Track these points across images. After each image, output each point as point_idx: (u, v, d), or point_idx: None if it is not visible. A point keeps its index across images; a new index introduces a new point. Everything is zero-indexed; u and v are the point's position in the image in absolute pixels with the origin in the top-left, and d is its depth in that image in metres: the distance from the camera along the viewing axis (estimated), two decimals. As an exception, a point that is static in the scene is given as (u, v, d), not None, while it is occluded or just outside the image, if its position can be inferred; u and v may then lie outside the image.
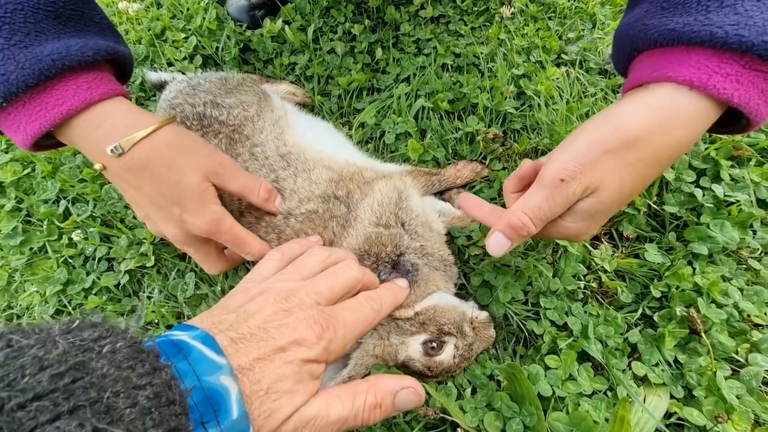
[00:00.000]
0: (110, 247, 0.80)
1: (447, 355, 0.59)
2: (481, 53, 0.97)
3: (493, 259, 0.68)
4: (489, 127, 0.85)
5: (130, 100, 0.56)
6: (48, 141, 0.53)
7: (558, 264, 0.68)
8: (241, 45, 1.06)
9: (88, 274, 0.79)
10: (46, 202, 0.87)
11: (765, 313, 0.61)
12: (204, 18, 1.11)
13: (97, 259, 0.80)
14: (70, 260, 0.81)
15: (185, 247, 0.60)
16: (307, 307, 0.42)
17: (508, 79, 0.91)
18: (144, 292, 0.78)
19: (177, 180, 0.53)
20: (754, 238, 0.65)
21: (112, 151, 0.50)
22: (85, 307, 0.75)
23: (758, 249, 0.65)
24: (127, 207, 0.83)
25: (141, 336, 0.32)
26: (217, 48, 1.05)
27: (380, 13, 1.09)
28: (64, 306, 0.77)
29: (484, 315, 0.62)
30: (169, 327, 0.65)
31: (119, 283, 0.78)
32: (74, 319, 0.30)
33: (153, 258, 0.78)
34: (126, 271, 0.77)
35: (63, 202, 0.86)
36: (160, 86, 0.96)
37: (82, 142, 0.52)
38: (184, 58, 1.04)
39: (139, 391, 0.28)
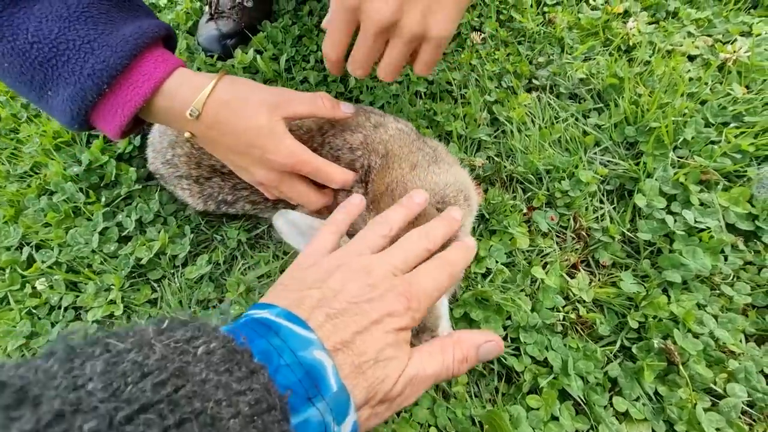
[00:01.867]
0: (77, 295, 0.77)
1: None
2: (454, 79, 0.97)
3: (475, 291, 0.67)
4: (465, 154, 0.85)
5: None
6: (131, 127, 0.58)
7: (536, 296, 0.68)
8: (212, 76, 1.04)
9: (53, 325, 0.76)
10: (8, 249, 0.83)
11: (740, 340, 0.61)
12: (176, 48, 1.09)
13: (63, 308, 0.77)
14: (33, 311, 0.77)
15: (282, 188, 0.63)
16: (389, 279, 0.43)
17: (481, 105, 0.91)
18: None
19: (246, 125, 0.57)
20: (725, 263, 0.66)
21: (190, 114, 0.55)
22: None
23: (730, 274, 0.65)
24: (94, 251, 0.80)
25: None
26: (187, 80, 1.04)
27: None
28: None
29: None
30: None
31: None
32: (163, 318, 0.29)
33: (122, 305, 0.75)
34: (94, 321, 0.74)
35: (26, 249, 0.82)
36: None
37: (167, 115, 0.58)
38: (153, 92, 1.02)
39: (240, 397, 0.26)
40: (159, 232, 0.80)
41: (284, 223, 0.68)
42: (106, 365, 0.23)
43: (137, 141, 0.92)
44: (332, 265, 0.45)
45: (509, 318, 0.66)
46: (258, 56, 1.04)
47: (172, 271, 0.79)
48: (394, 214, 0.53)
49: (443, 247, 0.53)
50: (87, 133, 0.97)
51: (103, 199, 0.85)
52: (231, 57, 1.08)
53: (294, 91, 0.63)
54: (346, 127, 0.68)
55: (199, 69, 1.04)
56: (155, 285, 0.78)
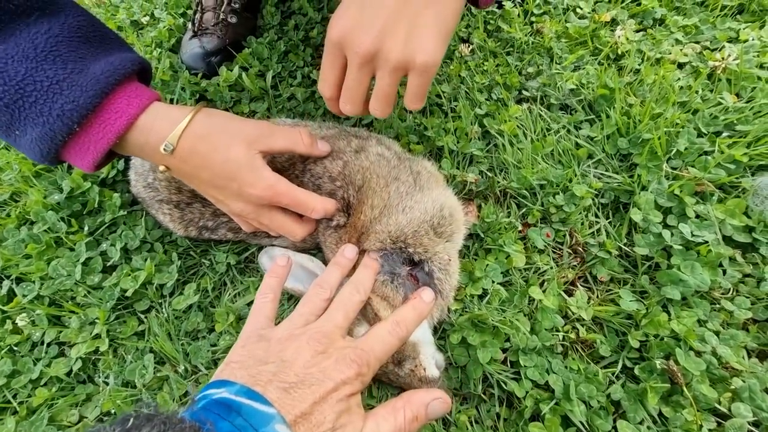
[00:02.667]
0: (60, 331, 0.74)
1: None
2: (444, 92, 0.96)
3: (471, 314, 0.66)
4: (458, 169, 0.84)
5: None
6: (104, 161, 0.57)
7: (535, 316, 0.66)
8: (197, 95, 1.02)
9: (35, 362, 0.73)
10: (-13, 283, 0.80)
11: (742, 357, 0.60)
12: (157, 68, 1.07)
13: (45, 344, 0.74)
14: (15, 348, 0.74)
15: (261, 220, 0.62)
16: (341, 346, 0.47)
17: (472, 119, 0.90)
18: (100, 377, 0.71)
19: (223, 158, 0.56)
20: (724, 277, 0.65)
21: (164, 149, 0.54)
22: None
23: (729, 288, 0.64)
24: (77, 283, 0.77)
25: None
26: (171, 100, 1.01)
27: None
28: (8, 402, 0.70)
29: (433, 374, 0.59)
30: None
31: (71, 371, 0.71)
32: (128, 416, 0.30)
33: (107, 340, 0.72)
34: (78, 358, 0.71)
35: (6, 282, 0.79)
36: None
37: (142, 150, 0.56)
38: (137, 114, 0.99)
39: None
40: (145, 260, 0.77)
41: (268, 260, 0.66)
42: None
43: (120, 165, 0.89)
44: (282, 338, 0.47)
45: (508, 340, 0.65)
46: (243, 73, 1.02)
47: (159, 301, 0.76)
48: (331, 276, 0.57)
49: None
50: (68, 158, 0.94)
51: (86, 228, 0.82)
52: (216, 75, 1.06)
53: (272, 125, 0.61)
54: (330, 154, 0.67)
55: (183, 88, 1.02)
56: (142, 317, 0.75)
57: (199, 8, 1.14)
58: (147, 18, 1.28)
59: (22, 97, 0.49)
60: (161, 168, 0.58)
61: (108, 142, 0.52)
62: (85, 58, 0.52)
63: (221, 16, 1.13)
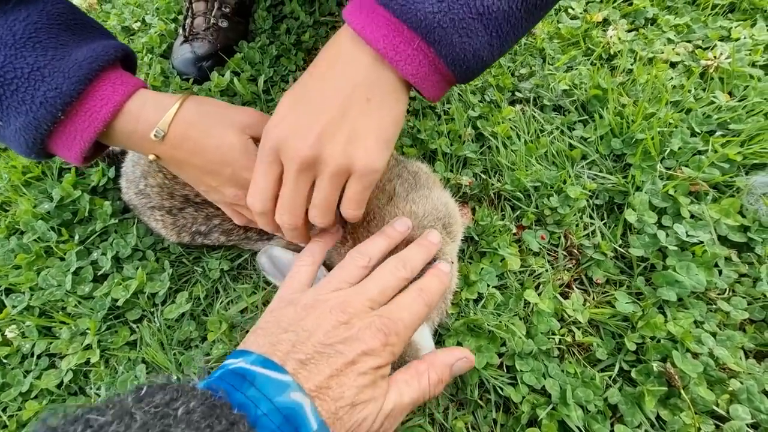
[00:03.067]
0: (51, 342, 0.73)
1: None
2: (437, 95, 0.95)
3: (467, 319, 0.65)
4: (452, 172, 0.83)
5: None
6: (93, 152, 0.55)
7: (530, 319, 0.66)
8: (189, 101, 1.01)
9: (25, 374, 0.71)
10: (-24, 294, 0.79)
11: (740, 358, 0.59)
12: (148, 74, 1.06)
13: (36, 356, 0.73)
14: (4, 360, 0.73)
15: None
16: (365, 315, 0.43)
17: (465, 121, 0.89)
18: (91, 388, 0.70)
19: (217, 143, 0.54)
20: (720, 277, 0.64)
21: (155, 136, 0.52)
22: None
23: (725, 289, 0.64)
24: (68, 294, 0.76)
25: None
26: (162, 106, 1.00)
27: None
28: (-2, 417, 0.68)
29: None
30: None
31: (62, 383, 0.70)
32: (142, 385, 0.31)
33: (99, 351, 0.71)
34: (69, 369, 0.70)
35: (-5, 293, 0.78)
36: (107, 155, 0.90)
37: (130, 138, 0.54)
38: (127, 120, 0.98)
39: None
40: (137, 269, 0.76)
41: (266, 260, 0.65)
42: None
43: (111, 173, 0.88)
44: (308, 304, 0.45)
45: (504, 344, 0.64)
46: (235, 78, 1.01)
47: (151, 310, 0.75)
48: (374, 245, 0.53)
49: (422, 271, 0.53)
50: (58, 166, 0.93)
51: (77, 237, 0.81)
52: (207, 80, 1.06)
53: (263, 114, 0.59)
54: None
55: (175, 92, 1.01)
56: (134, 326, 0.74)
57: (189, 13, 1.14)
58: (138, 24, 1.27)
59: (3, 84, 0.47)
60: (151, 157, 0.56)
61: (95, 131, 0.51)
62: (67, 45, 0.50)
63: (212, 21, 1.12)
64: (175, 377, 0.37)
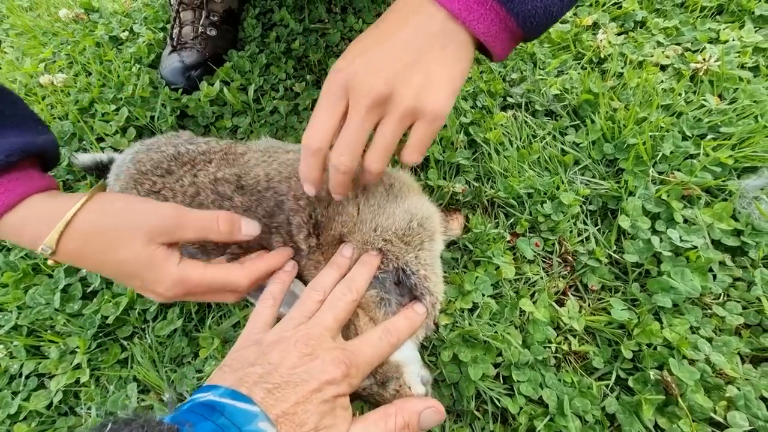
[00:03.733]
0: (39, 362, 0.71)
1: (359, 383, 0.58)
2: (428, 101, 0.95)
3: (462, 330, 0.64)
4: (445, 180, 0.83)
5: (59, 186, 0.55)
6: None
7: (526, 328, 0.65)
8: (178, 112, 1.00)
9: (13, 396, 0.70)
10: (-38, 314, 0.77)
11: (736, 363, 0.59)
12: (136, 85, 1.05)
13: (24, 377, 0.71)
14: (-8, 382, 0.72)
15: (198, 300, 0.61)
16: (328, 347, 0.46)
17: (457, 127, 0.89)
18: (82, 408, 0.69)
19: (119, 258, 0.50)
20: (714, 282, 0.64)
21: (42, 251, 0.49)
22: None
23: (720, 293, 0.64)
24: (57, 311, 0.75)
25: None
26: (152, 117, 0.99)
27: (323, 66, 1.07)
28: (-14, 440, 0.67)
29: (419, 391, 0.56)
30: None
31: (51, 403, 0.69)
32: (106, 422, 0.31)
33: (88, 370, 0.70)
34: (58, 390, 0.69)
35: (-18, 313, 0.76)
36: (95, 167, 0.88)
37: (19, 240, 0.51)
38: (116, 132, 0.97)
39: None
40: (126, 285, 0.75)
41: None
42: None
43: (104, 182, 0.87)
44: (272, 341, 0.47)
45: (500, 354, 0.63)
46: (225, 87, 1.00)
47: (142, 326, 0.74)
48: (326, 277, 0.56)
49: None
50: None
51: (65, 253, 0.79)
52: (197, 89, 1.04)
53: (187, 210, 0.54)
54: (293, 174, 0.63)
55: (163, 104, 1.00)
56: (125, 343, 0.73)
57: (177, 22, 1.13)
58: (126, 33, 1.26)
59: None
60: (50, 262, 0.52)
61: None
62: None
63: (200, 30, 1.11)
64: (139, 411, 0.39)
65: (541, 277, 0.70)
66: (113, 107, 1.00)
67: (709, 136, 0.76)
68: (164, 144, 0.75)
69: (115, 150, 0.95)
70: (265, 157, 0.67)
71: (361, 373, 0.47)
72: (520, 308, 0.66)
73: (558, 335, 0.65)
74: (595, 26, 1.00)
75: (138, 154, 0.74)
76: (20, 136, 0.51)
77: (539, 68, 0.95)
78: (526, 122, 0.87)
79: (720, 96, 0.81)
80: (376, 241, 0.60)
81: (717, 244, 0.67)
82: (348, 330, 0.58)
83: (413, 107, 0.46)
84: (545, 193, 0.76)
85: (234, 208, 0.63)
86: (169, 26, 1.23)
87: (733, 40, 0.88)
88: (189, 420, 0.35)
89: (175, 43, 1.10)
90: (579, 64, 0.94)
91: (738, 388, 0.57)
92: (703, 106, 0.79)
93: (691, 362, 0.59)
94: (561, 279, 0.71)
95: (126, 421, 0.31)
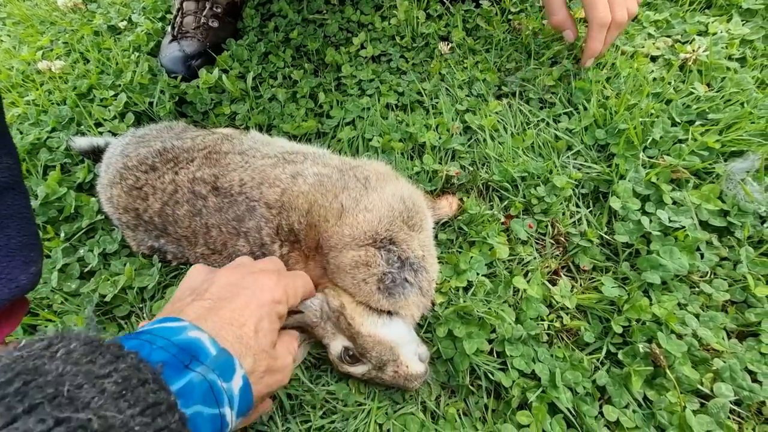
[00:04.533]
0: (36, 339, 0.72)
1: (357, 371, 0.61)
2: (425, 89, 0.96)
3: (456, 307, 0.66)
4: (440, 164, 0.84)
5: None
6: None
7: (520, 306, 0.67)
8: (177, 98, 1.01)
9: (10, 373, 0.70)
10: (-42, 293, 0.77)
11: (722, 338, 0.61)
12: (135, 72, 1.05)
13: (21, 355, 0.71)
14: (-12, 360, 0.71)
15: None
16: (261, 265, 0.52)
17: (453, 115, 0.90)
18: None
19: None
20: (702, 260, 0.66)
21: None
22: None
23: (707, 272, 0.65)
24: (54, 291, 0.75)
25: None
26: (150, 103, 1.00)
27: (320, 55, 1.08)
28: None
29: (417, 369, 0.58)
30: None
31: (48, 381, 0.69)
32: (22, 339, 0.32)
33: (86, 347, 0.70)
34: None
35: (-22, 292, 0.76)
36: (92, 152, 0.89)
37: None
38: (114, 117, 0.98)
39: (104, 379, 0.28)
40: (124, 264, 0.75)
41: None
42: None
43: (97, 169, 0.87)
44: (208, 275, 0.51)
45: (494, 331, 0.65)
46: (224, 75, 1.01)
47: (140, 305, 0.74)
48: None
49: None
50: (43, 164, 0.92)
51: (63, 234, 0.80)
52: (196, 77, 1.05)
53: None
54: (264, 180, 0.65)
55: (162, 91, 1.00)
56: (122, 322, 0.73)
57: (179, 12, 1.13)
58: (124, 23, 1.26)
59: None
60: None
61: None
62: None
63: (202, 20, 1.12)
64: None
65: (534, 258, 0.72)
66: (112, 93, 1.01)
67: (697, 122, 0.78)
68: (154, 137, 0.77)
69: (114, 135, 0.95)
70: (243, 161, 0.69)
71: (292, 286, 0.51)
72: (514, 286, 0.68)
73: (550, 313, 0.67)
74: (588, 19, 1.02)
75: (127, 147, 0.76)
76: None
77: (534, 59, 0.97)
78: (520, 110, 0.89)
79: (708, 84, 0.84)
80: (379, 226, 0.61)
81: (705, 225, 0.69)
82: (339, 321, 0.59)
83: None
84: (539, 177, 0.77)
85: (206, 208, 0.65)
86: (168, 16, 1.24)
87: (721, 32, 0.91)
88: (116, 339, 0.36)
89: (176, 32, 1.11)
90: (572, 54, 0.96)
91: (724, 361, 0.58)
92: (691, 93, 0.81)
93: (679, 336, 0.61)
94: (553, 259, 0.72)
95: (42, 337, 0.31)
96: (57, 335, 0.31)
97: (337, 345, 0.60)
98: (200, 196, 0.67)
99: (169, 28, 1.13)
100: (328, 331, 0.61)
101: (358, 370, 0.60)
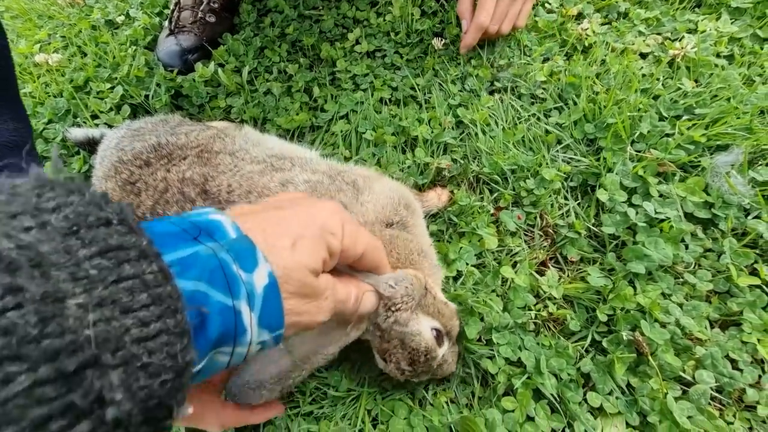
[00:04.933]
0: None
1: (440, 352, 0.56)
2: (418, 84, 0.98)
3: (448, 295, 0.67)
4: (432, 157, 0.85)
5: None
6: None
7: (507, 296, 0.68)
8: (173, 91, 1.02)
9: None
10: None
11: (705, 327, 0.62)
12: (131, 65, 1.06)
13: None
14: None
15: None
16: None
17: (445, 109, 0.91)
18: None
19: None
20: (686, 251, 0.67)
21: None
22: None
23: (692, 263, 0.66)
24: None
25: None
26: (146, 96, 1.01)
27: (316, 50, 1.09)
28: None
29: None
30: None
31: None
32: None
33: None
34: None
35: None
36: (88, 143, 0.90)
37: None
38: (110, 109, 0.99)
39: (50, 214, 0.23)
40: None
41: None
42: None
43: (92, 160, 0.88)
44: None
45: (482, 320, 0.66)
46: (219, 69, 1.02)
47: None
48: None
49: None
50: (39, 154, 0.93)
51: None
52: (192, 71, 1.06)
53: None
54: (253, 189, 0.65)
55: (158, 84, 1.01)
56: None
57: (177, 7, 1.14)
58: (122, 17, 1.27)
59: None
60: None
61: None
62: None
63: (199, 15, 1.13)
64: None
65: (523, 249, 0.73)
66: (108, 86, 1.02)
67: (684, 117, 0.79)
68: (149, 131, 0.77)
69: (110, 127, 0.96)
70: (233, 164, 0.69)
71: (354, 232, 0.42)
72: (502, 276, 0.69)
73: (537, 302, 0.68)
74: (580, 16, 1.03)
75: (123, 140, 0.76)
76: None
77: (525, 55, 0.98)
78: (512, 105, 0.90)
79: (696, 80, 0.85)
80: (381, 214, 0.62)
81: (690, 217, 0.70)
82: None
83: None
84: (528, 170, 0.78)
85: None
86: (166, 11, 1.25)
87: (710, 30, 0.92)
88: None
89: (173, 27, 1.12)
90: (563, 50, 0.97)
91: (706, 349, 0.59)
92: (679, 89, 0.83)
93: (663, 325, 0.62)
94: (542, 251, 0.73)
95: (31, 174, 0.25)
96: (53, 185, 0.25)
97: (425, 327, 0.55)
98: (189, 199, 0.66)
99: (166, 23, 1.14)
100: (408, 316, 0.54)
101: (442, 350, 0.57)
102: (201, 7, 1.14)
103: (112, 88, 1.02)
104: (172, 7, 1.15)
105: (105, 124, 0.97)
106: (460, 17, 0.98)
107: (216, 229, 0.32)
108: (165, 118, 0.86)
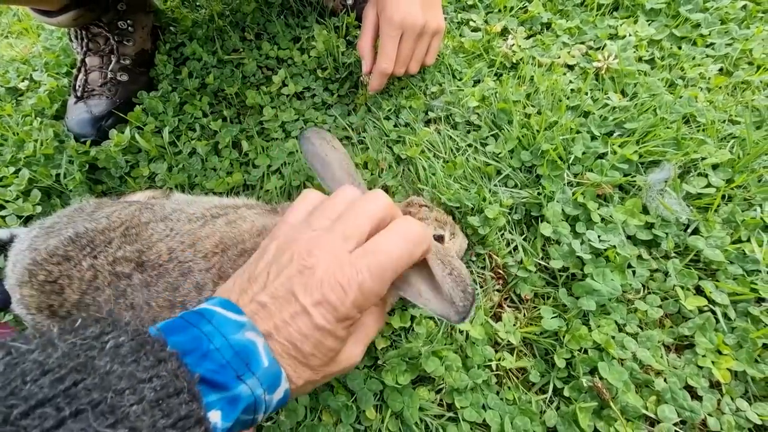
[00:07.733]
0: None
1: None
2: (351, 123, 0.94)
3: (401, 351, 0.63)
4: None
5: None
6: None
7: (465, 350, 0.65)
8: (87, 166, 0.93)
9: None
10: None
11: (661, 356, 0.61)
12: (38, 141, 0.97)
13: None
14: None
15: None
16: (330, 259, 0.39)
17: (381, 147, 0.88)
18: None
19: None
20: (634, 277, 0.66)
21: None
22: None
23: (640, 288, 0.66)
24: None
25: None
26: (57, 176, 0.92)
27: (241, 98, 1.03)
28: None
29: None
30: None
31: None
32: (77, 318, 0.31)
33: None
34: None
35: None
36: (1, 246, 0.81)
37: None
38: (17, 197, 0.89)
39: (145, 384, 0.28)
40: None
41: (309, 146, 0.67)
42: (5, 367, 0.25)
43: (1, 261, 0.79)
44: (281, 244, 0.43)
45: (441, 381, 0.63)
46: (137, 133, 0.95)
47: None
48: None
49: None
50: None
51: None
52: (107, 139, 0.98)
53: None
54: (196, 240, 0.62)
55: (70, 159, 0.93)
56: None
57: (83, 69, 1.05)
58: (26, 83, 1.17)
59: None
60: None
61: None
62: None
63: (109, 75, 1.04)
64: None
65: (477, 294, 0.70)
66: (12, 169, 0.92)
67: (615, 133, 0.79)
68: (64, 225, 0.70)
69: (19, 218, 0.87)
70: (167, 229, 0.64)
71: (368, 291, 0.39)
72: (458, 329, 0.66)
73: (497, 351, 0.65)
74: (505, 32, 1.02)
75: (35, 240, 0.68)
76: None
77: (456, 79, 0.96)
78: (449, 136, 0.88)
79: (622, 92, 0.85)
80: None
81: (633, 240, 0.69)
82: None
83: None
84: (473, 207, 0.76)
85: (131, 286, 0.59)
86: (74, 70, 1.15)
87: (630, 35, 0.92)
88: (176, 324, 0.35)
89: (80, 93, 1.03)
90: (492, 71, 0.95)
91: (665, 380, 0.59)
92: (606, 105, 0.82)
93: (621, 362, 0.61)
94: (496, 293, 0.71)
95: (96, 319, 0.31)
96: (109, 322, 0.31)
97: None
98: (123, 276, 0.61)
99: (71, 90, 1.05)
100: None
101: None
102: (110, 67, 1.05)
103: (17, 171, 0.92)
104: (76, 71, 1.05)
105: (14, 214, 0.87)
106: (359, 54, 0.89)
107: (251, 356, 0.35)
108: (80, 206, 0.78)
